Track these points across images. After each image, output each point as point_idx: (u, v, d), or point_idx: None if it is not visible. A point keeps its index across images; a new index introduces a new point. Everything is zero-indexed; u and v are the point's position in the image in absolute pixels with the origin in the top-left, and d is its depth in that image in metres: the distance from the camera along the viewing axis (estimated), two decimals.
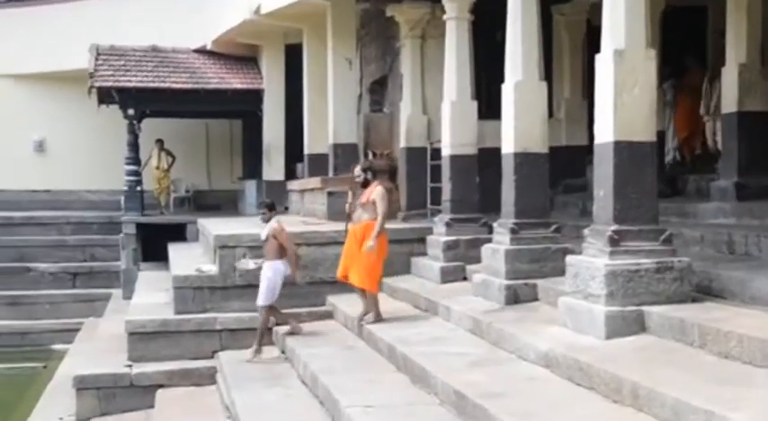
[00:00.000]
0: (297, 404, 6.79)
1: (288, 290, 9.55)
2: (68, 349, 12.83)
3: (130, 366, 8.98)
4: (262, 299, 8.71)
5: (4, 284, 16.20)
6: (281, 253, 8.75)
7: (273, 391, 7.28)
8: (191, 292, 9.57)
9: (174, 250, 13.24)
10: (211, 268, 9.86)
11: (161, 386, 8.78)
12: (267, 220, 8.87)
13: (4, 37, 19.26)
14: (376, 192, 8.28)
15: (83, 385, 8.78)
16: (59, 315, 15.69)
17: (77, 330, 14.20)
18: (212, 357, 9.12)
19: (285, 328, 8.91)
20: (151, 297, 11.09)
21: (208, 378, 8.82)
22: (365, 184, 8.46)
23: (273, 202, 9.23)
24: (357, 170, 8.60)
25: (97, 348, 10.52)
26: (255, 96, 16.45)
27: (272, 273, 8.66)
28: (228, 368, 8.34)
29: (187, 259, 11.46)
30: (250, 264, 9.42)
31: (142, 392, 8.74)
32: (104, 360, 9.41)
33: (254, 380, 7.73)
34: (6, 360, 13.84)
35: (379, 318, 8.14)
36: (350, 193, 8.92)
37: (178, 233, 15.20)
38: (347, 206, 8.73)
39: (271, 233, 8.73)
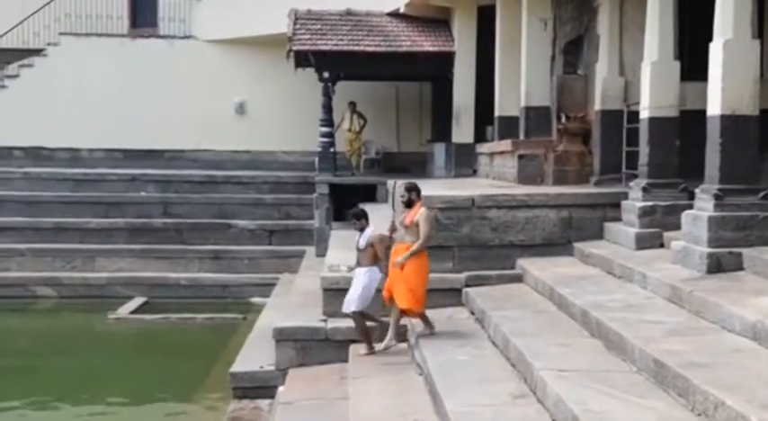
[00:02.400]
0: (488, 365, 6.82)
1: (477, 252, 9.62)
2: (266, 302, 13.49)
3: (325, 321, 9.30)
4: (354, 305, 8.47)
5: (207, 239, 17.24)
6: (376, 260, 8.56)
7: (464, 351, 7.35)
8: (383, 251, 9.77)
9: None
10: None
11: (353, 341, 9.05)
12: (361, 229, 8.67)
13: (209, 5, 20.28)
14: (420, 213, 8.05)
15: (281, 337, 9.19)
16: (257, 270, 16.54)
17: (273, 285, 14.90)
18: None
19: (477, 290, 8.91)
20: (344, 255, 11.38)
21: (399, 335, 8.97)
22: (409, 204, 8.18)
23: (364, 211, 8.99)
24: (401, 190, 8.28)
25: (293, 302, 10.98)
26: (446, 59, 16.43)
27: (367, 279, 8.46)
28: (419, 327, 8.48)
29: (379, 219, 11.65)
30: (343, 268, 9.29)
31: (336, 346, 9.04)
32: (300, 314, 9.80)
33: (446, 339, 7.82)
34: (210, 310, 14.72)
35: (432, 331, 8.08)
36: (392, 212, 8.57)
37: (369, 194, 15.53)
38: (389, 224, 8.46)
39: (370, 241, 8.55)
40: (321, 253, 14.25)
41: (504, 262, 9.62)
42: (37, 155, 19.80)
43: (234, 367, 9.25)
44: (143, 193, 18.50)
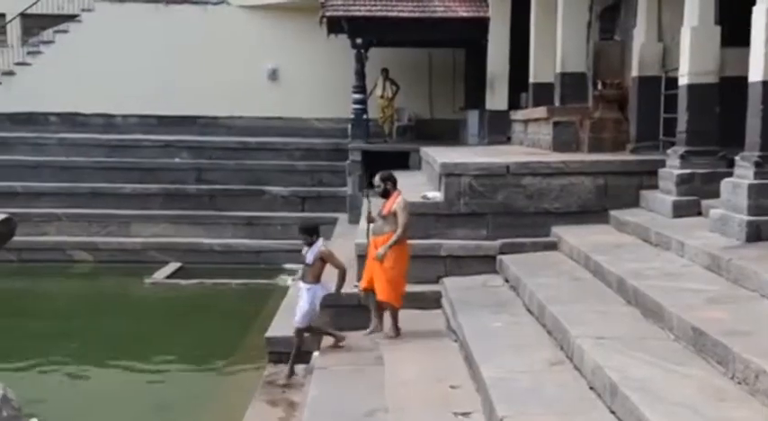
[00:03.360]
0: (523, 331, 6.84)
1: (511, 219, 9.59)
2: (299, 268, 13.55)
3: (359, 287, 9.33)
4: (299, 323, 8.41)
5: (241, 206, 17.31)
6: (320, 276, 8.48)
7: (499, 318, 7.36)
8: (416, 219, 9.75)
9: (398, 178, 13.48)
10: (436, 195, 10.00)
11: None
12: (310, 244, 8.50)
13: None
14: (397, 203, 7.98)
15: None
16: (290, 236, 16.55)
17: None
18: (437, 282, 9.32)
19: (511, 257, 8.92)
20: None
21: (433, 302, 9.04)
22: (385, 194, 8.09)
23: (315, 225, 8.85)
24: (377, 180, 8.17)
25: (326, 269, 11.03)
26: (481, 25, 16.28)
27: (311, 297, 8.37)
28: (454, 294, 8.51)
29: (411, 186, 11.65)
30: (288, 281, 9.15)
31: (370, 312, 9.09)
32: (335, 280, 9.83)
33: (480, 306, 7.85)
34: (244, 276, 14.84)
35: (397, 334, 8.02)
36: (367, 202, 8.43)
37: (401, 161, 15.51)
38: (366, 215, 8.34)
39: (319, 256, 8.43)
40: (354, 220, 14.31)
41: (538, 229, 9.58)
42: (72, 121, 19.95)
43: (269, 332, 9.34)
44: (177, 160, 18.60)
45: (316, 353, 8.62)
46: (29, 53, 20.43)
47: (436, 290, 9.15)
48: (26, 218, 15.34)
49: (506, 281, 8.78)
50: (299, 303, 8.50)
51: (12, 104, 19.80)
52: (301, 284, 8.61)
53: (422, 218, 9.69)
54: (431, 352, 7.48)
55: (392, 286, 8.06)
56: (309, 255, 8.50)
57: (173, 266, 15.77)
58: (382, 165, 14.92)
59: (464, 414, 5.71)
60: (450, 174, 9.78)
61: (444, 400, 6.06)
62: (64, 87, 19.61)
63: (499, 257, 9.28)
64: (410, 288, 9.15)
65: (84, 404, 8.97)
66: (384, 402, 6.27)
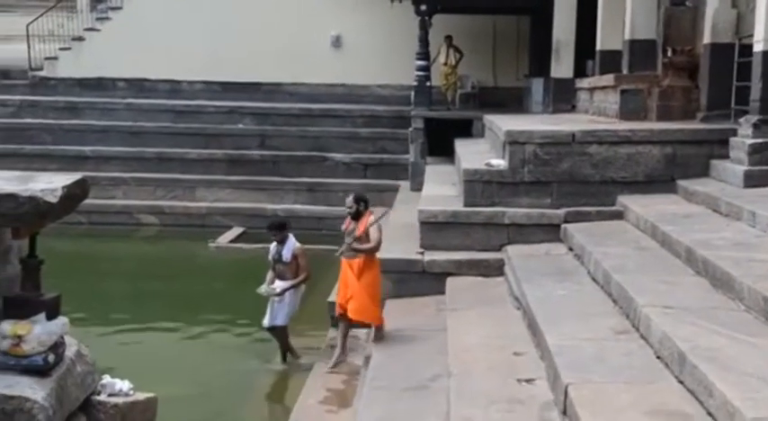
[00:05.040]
0: (588, 300, 6.77)
1: (576, 188, 9.48)
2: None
3: (422, 253, 9.36)
4: (281, 320, 8.66)
5: (303, 172, 17.43)
6: (298, 272, 8.59)
7: (563, 286, 7.30)
8: (480, 186, 9.72)
9: (461, 145, 13.48)
10: (500, 163, 9.93)
11: (450, 274, 9.10)
12: (282, 241, 8.61)
13: None
14: (369, 222, 7.85)
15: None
16: None
17: None
18: (499, 250, 9.28)
19: (576, 226, 8.83)
20: (440, 189, 11.45)
21: (495, 269, 9.00)
22: (357, 216, 7.98)
23: (284, 222, 8.92)
24: (349, 201, 8.06)
25: (388, 235, 11.04)
26: None
27: (293, 295, 8.68)
28: (517, 261, 8.47)
29: (474, 154, 11.63)
30: (263, 288, 8.96)
31: (432, 278, 9.12)
32: (397, 246, 9.86)
33: (544, 274, 7.79)
34: (305, 241, 14.86)
35: (380, 337, 7.90)
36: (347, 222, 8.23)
37: (464, 129, 15.43)
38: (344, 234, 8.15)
39: (295, 253, 8.57)
40: (416, 187, 14.30)
41: (603, 198, 9.44)
42: (140, 86, 20.23)
43: (331, 296, 9.40)
44: (241, 126, 18.77)
45: None
46: (97, 19, 20.75)
47: (499, 257, 9.12)
48: (95, 181, 15.60)
49: (570, 249, 8.70)
50: (275, 304, 8.73)
51: (81, 70, 20.17)
52: (278, 284, 8.76)
53: (486, 185, 9.66)
54: (494, 319, 7.46)
55: (375, 303, 8.00)
56: (286, 252, 8.72)
57: (236, 231, 15.97)
58: (444, 132, 15.02)
59: (528, 380, 5.70)
60: (514, 141, 9.68)
61: (508, 367, 6.05)
62: (131, 53, 19.85)
63: (563, 226, 9.19)
64: (473, 255, 9.22)
65: (151, 364, 9.15)
66: (447, 368, 6.28)
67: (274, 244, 9.00)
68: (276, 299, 8.80)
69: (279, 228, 8.95)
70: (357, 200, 8.11)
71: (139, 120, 18.75)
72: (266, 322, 8.94)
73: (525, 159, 9.56)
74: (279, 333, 8.97)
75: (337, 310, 8.16)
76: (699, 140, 9.52)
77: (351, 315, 8.02)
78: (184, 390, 8.18)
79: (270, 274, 9.03)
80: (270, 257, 9.05)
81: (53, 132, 18.49)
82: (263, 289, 8.93)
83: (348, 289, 7.99)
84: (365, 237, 7.92)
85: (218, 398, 8.32)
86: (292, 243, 8.86)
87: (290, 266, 8.82)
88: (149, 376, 7.92)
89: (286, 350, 9.05)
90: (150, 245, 16.06)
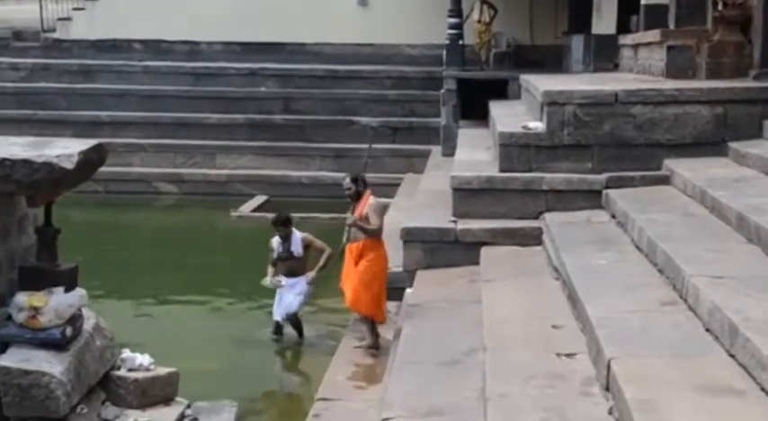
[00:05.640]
0: (632, 269, 6.72)
1: (619, 151, 9.37)
2: (390, 202, 13.60)
3: (455, 222, 9.33)
4: (296, 308, 8.95)
5: (329, 137, 17.41)
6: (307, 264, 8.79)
7: (605, 256, 7.25)
8: (516, 150, 9.64)
9: (496, 107, 13.37)
10: (538, 125, 9.84)
11: (484, 243, 9.07)
12: (287, 237, 8.76)
13: None
14: (369, 205, 7.74)
15: (409, 237, 9.29)
16: (380, 169, 16.55)
17: (396, 185, 14.99)
18: (537, 218, 9.22)
19: (619, 192, 8.76)
20: (473, 154, 11.39)
21: (533, 238, 8.95)
22: (356, 197, 7.87)
23: (289, 217, 9.00)
24: (346, 182, 7.95)
25: (419, 203, 11.07)
26: None
27: (305, 287, 8.93)
28: (556, 230, 8.42)
29: (510, 117, 11.54)
30: (267, 280, 9.11)
31: (465, 248, 9.08)
32: (428, 215, 9.88)
33: (585, 243, 7.74)
34: (332, 210, 14.94)
35: (375, 346, 7.82)
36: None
37: (499, 90, 15.30)
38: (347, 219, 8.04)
39: (305, 243, 8.73)
40: (448, 152, 14.26)
41: (648, 162, 9.33)
42: (156, 48, 20.23)
43: None
44: (263, 89, 18.75)
45: (409, 290, 8.71)
46: None
47: (536, 226, 9.06)
48: (112, 148, 15.50)
49: (613, 216, 8.63)
50: (287, 295, 8.93)
51: (95, 31, 20.21)
52: (286, 280, 8.96)
53: (522, 149, 9.59)
54: (531, 290, 7.44)
55: (369, 293, 7.89)
56: (296, 247, 8.92)
57: (259, 199, 16.04)
58: (478, 94, 14.90)
59: (568, 355, 5.67)
60: (552, 102, 9.56)
61: (546, 340, 6.02)
62: (147, 13, 19.84)
63: (605, 192, 9.10)
64: (509, 224, 9.17)
65: (172, 337, 9.28)
66: (482, 341, 6.28)
67: (277, 240, 9.05)
68: (288, 289, 8.98)
69: (285, 222, 9.02)
70: (354, 180, 8.03)
71: (157, 84, 18.79)
72: (278, 315, 9.04)
73: (564, 121, 9.45)
74: (293, 320, 9.13)
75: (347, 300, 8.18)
76: (751, 99, 9.35)
77: (347, 303, 8.10)
78: (206, 365, 8.29)
79: (271, 270, 9.13)
80: (275, 255, 9.14)
81: (67, 97, 18.61)
82: (267, 281, 9.06)
83: (348, 276, 8.00)
84: (365, 219, 7.86)
85: (243, 372, 8.41)
86: (298, 236, 9.02)
87: (302, 260, 9.01)
88: (170, 350, 8.06)
89: (300, 329, 9.22)
90: (169, 214, 16.18)
